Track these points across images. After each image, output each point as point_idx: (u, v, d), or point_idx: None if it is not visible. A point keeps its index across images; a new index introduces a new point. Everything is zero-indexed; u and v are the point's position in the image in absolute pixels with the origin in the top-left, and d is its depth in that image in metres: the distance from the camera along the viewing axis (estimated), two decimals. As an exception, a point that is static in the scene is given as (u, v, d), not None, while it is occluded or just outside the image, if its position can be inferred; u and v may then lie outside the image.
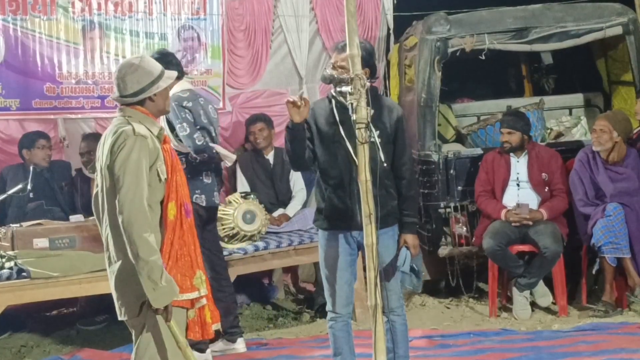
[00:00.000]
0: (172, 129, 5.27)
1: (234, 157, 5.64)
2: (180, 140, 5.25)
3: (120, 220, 3.35)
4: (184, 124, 5.25)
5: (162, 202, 3.50)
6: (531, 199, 6.16)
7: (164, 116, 5.13)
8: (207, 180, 5.37)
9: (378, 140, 4.03)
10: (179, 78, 5.24)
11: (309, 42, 7.60)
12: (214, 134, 5.43)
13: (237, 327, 5.53)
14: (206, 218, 5.37)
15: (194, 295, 3.55)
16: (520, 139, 6.18)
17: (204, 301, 3.61)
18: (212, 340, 5.19)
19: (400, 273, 4.25)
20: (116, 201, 3.37)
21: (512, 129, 6.17)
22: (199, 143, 5.25)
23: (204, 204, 5.31)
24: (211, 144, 5.35)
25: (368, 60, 4.12)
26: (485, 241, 6.01)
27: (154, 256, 3.34)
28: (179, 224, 3.51)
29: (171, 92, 5.18)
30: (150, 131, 3.48)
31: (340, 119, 4.09)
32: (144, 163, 3.39)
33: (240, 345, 5.51)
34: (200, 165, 5.32)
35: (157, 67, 3.58)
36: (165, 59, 5.14)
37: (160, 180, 3.46)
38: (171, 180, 3.51)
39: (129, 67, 3.52)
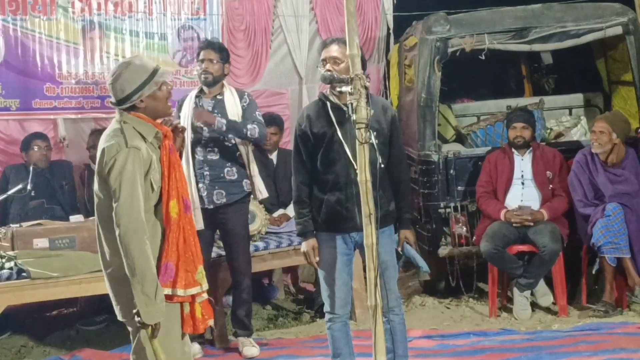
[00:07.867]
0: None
1: (266, 195, 5.73)
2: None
3: (117, 233, 3.33)
4: (259, 113, 5.49)
5: (155, 206, 3.47)
6: (535, 198, 6.16)
7: (236, 100, 5.39)
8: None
9: (375, 142, 4.04)
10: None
11: (309, 42, 7.61)
12: None
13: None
14: None
15: (196, 290, 3.53)
16: (532, 134, 6.22)
17: (205, 296, 3.60)
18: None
19: (399, 265, 4.34)
20: (113, 213, 3.35)
21: (527, 124, 6.20)
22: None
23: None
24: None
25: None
26: (483, 244, 6.00)
27: (150, 270, 3.32)
28: (181, 221, 3.49)
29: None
30: (146, 138, 3.45)
31: (337, 121, 4.10)
32: (138, 175, 3.37)
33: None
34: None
35: (145, 71, 3.47)
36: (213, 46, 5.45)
37: (153, 190, 3.44)
38: (170, 176, 3.48)
39: (112, 77, 3.47)
